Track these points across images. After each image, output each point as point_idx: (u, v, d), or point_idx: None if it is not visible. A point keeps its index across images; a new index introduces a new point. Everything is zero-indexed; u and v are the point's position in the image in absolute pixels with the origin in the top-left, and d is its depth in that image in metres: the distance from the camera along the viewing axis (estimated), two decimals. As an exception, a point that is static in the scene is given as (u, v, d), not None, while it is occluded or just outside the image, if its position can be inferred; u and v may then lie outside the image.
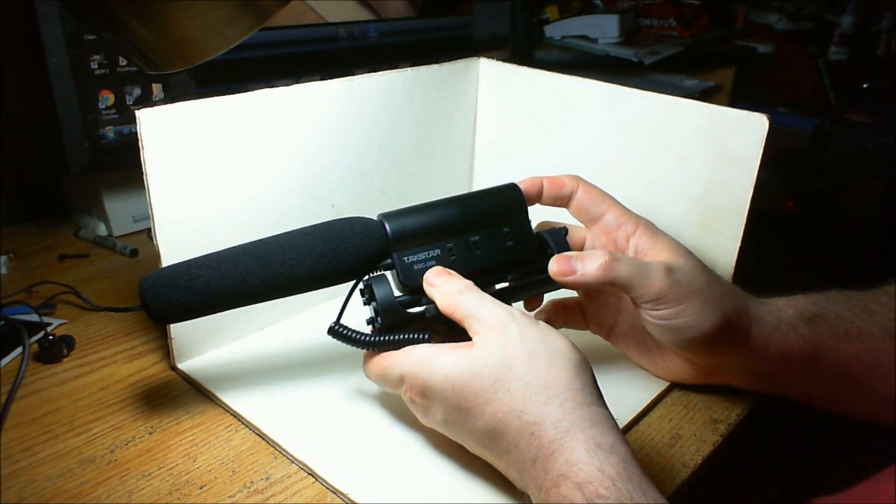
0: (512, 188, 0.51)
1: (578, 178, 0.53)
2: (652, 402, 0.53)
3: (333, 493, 0.43)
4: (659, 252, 0.50)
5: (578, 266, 0.47)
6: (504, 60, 0.69)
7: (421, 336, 0.44)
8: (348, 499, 0.43)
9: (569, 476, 0.35)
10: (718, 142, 0.56)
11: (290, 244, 0.45)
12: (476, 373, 0.40)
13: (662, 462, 0.47)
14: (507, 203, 0.50)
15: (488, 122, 0.72)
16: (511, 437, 0.39)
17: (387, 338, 0.45)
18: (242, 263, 0.44)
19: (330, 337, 0.47)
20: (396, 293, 0.46)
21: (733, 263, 0.57)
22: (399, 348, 0.44)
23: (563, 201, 0.53)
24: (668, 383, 0.54)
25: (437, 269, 0.46)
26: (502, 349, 0.40)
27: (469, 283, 0.45)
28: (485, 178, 0.75)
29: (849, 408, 0.52)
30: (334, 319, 0.47)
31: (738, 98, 1.29)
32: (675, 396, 0.54)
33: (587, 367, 0.41)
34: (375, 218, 0.47)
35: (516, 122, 0.70)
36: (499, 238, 0.49)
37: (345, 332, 0.46)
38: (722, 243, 0.58)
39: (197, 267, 0.44)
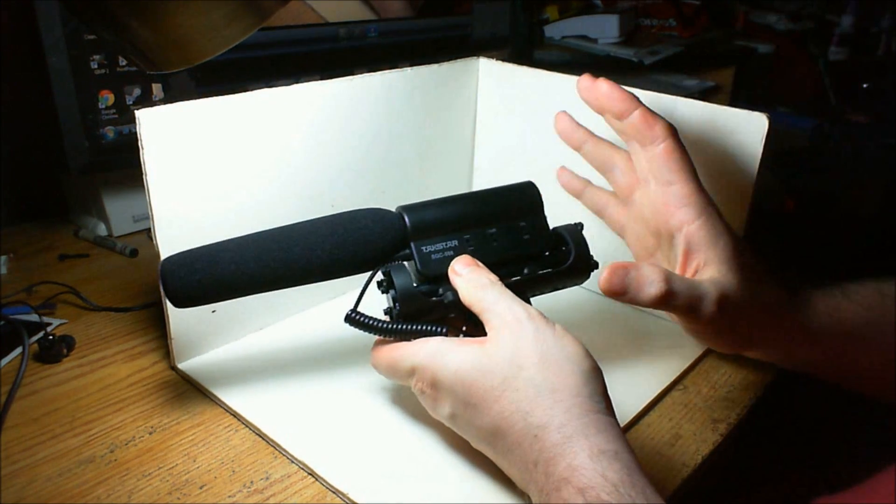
0: (529, 185, 0.51)
1: (672, 132, 0.49)
2: (652, 401, 0.53)
3: (333, 493, 0.43)
4: (711, 259, 0.47)
5: (632, 288, 0.44)
6: (504, 60, 0.69)
7: (438, 329, 0.44)
8: (348, 499, 0.43)
9: (570, 481, 0.35)
10: (718, 142, 0.56)
11: (311, 230, 0.45)
12: (486, 370, 0.40)
13: (662, 462, 0.47)
14: (524, 199, 0.50)
15: (488, 122, 0.72)
16: (515, 438, 0.39)
17: (404, 326, 0.45)
18: (264, 247, 0.44)
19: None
20: (413, 284, 0.46)
21: (733, 263, 0.57)
22: (415, 338, 0.44)
23: (646, 139, 0.49)
24: (668, 383, 0.54)
25: (466, 258, 0.46)
26: (515, 348, 0.40)
27: (494, 277, 0.44)
28: (485, 178, 0.75)
29: (855, 384, 0.53)
30: (351, 307, 0.46)
31: (738, 98, 1.29)
32: (675, 396, 0.54)
33: (598, 376, 0.40)
34: (394, 210, 0.48)
35: (516, 122, 0.70)
36: (515, 232, 0.49)
37: (362, 318, 0.46)
38: (722, 243, 0.58)
39: (218, 250, 0.44)
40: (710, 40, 1.45)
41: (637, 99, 0.49)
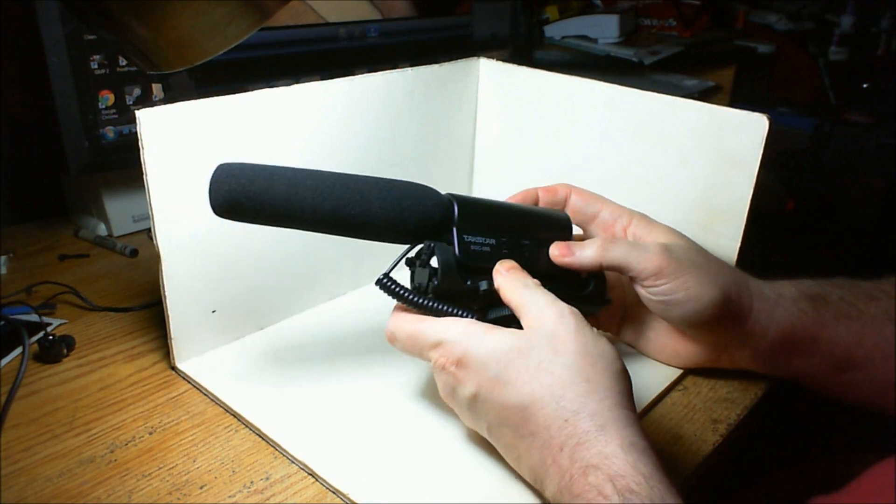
0: (566, 217, 0.54)
1: (569, 185, 0.55)
2: (652, 402, 0.53)
3: (333, 493, 0.43)
4: (656, 237, 0.52)
5: (577, 251, 0.50)
6: (504, 60, 0.69)
7: (469, 314, 0.44)
8: (348, 499, 0.43)
9: (600, 467, 0.36)
10: (718, 142, 0.56)
11: (370, 182, 0.45)
12: (524, 350, 0.40)
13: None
14: (558, 224, 0.53)
15: (488, 122, 0.72)
16: (543, 420, 0.39)
17: (437, 304, 0.45)
18: (322, 182, 0.43)
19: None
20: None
21: (733, 264, 0.57)
22: (441, 317, 0.44)
23: (558, 207, 0.55)
24: (668, 384, 0.54)
25: (509, 262, 0.47)
26: (554, 334, 0.41)
27: (536, 281, 0.45)
28: (485, 179, 0.75)
29: (851, 393, 0.53)
30: (383, 272, 0.45)
31: (738, 98, 1.29)
32: (675, 397, 0.54)
33: (628, 378, 0.41)
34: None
35: (516, 122, 0.70)
36: (545, 250, 0.50)
37: (393, 286, 0.45)
38: (722, 244, 0.58)
39: (276, 168, 0.43)
40: (710, 40, 1.45)
41: (535, 190, 0.55)
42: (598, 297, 0.53)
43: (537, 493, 0.42)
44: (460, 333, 0.42)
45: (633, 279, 0.50)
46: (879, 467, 0.38)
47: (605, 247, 0.49)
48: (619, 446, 0.36)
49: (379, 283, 0.45)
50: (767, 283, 0.52)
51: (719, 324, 0.50)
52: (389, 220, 0.45)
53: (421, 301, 0.45)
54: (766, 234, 0.84)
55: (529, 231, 0.51)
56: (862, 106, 1.21)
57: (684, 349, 0.54)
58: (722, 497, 0.62)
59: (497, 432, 0.42)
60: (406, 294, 0.45)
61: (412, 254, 0.47)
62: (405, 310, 0.46)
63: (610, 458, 0.36)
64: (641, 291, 0.51)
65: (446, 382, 0.44)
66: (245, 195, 0.42)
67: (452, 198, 0.47)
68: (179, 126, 0.49)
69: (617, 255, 0.49)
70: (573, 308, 0.43)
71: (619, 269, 0.50)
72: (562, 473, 0.37)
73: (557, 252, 0.50)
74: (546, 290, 0.44)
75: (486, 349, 0.41)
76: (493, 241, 0.48)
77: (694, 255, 0.50)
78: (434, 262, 0.45)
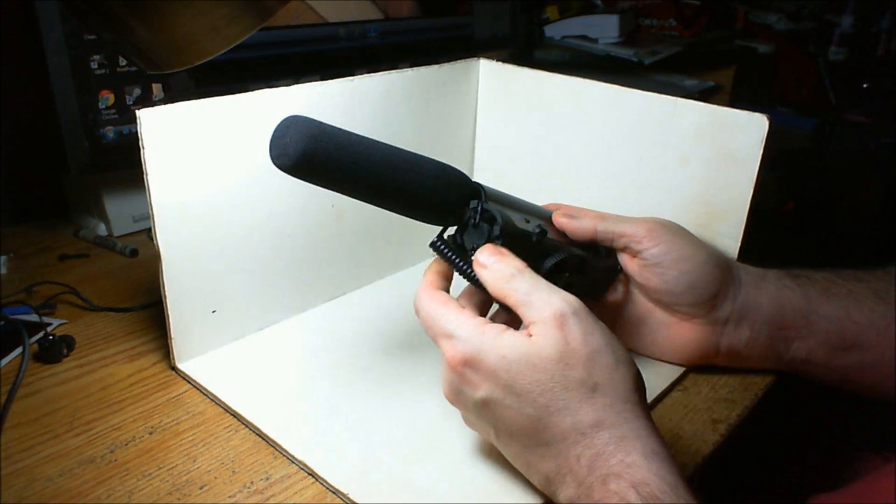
0: None
1: (554, 203, 0.56)
2: (652, 402, 0.53)
3: (333, 493, 0.43)
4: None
5: (575, 219, 0.52)
6: (504, 60, 0.69)
7: None
8: (348, 499, 0.43)
9: (622, 475, 0.35)
10: (718, 142, 0.56)
11: (419, 162, 0.44)
12: (534, 364, 0.39)
13: (662, 462, 0.47)
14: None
15: (488, 123, 0.72)
16: (559, 432, 0.38)
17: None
18: (389, 154, 0.43)
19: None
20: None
21: (733, 263, 0.57)
22: (486, 296, 0.44)
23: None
24: (668, 384, 0.54)
25: (490, 247, 0.43)
26: (563, 347, 0.39)
27: (522, 264, 0.42)
28: (485, 179, 0.74)
29: (852, 378, 0.53)
30: (437, 235, 0.45)
31: (738, 98, 1.29)
32: (676, 397, 0.54)
33: (642, 381, 0.41)
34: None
35: (516, 122, 0.70)
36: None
37: (448, 252, 0.44)
38: (722, 243, 0.58)
39: (347, 132, 0.42)
40: (711, 40, 1.45)
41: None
42: (613, 265, 0.54)
43: (540, 493, 0.42)
44: (473, 331, 0.40)
45: (627, 249, 0.52)
46: (883, 470, 0.38)
47: (600, 217, 0.53)
48: (641, 455, 0.36)
49: (433, 245, 0.45)
50: (750, 266, 0.54)
51: (714, 288, 0.52)
52: (437, 192, 0.44)
53: (472, 274, 0.43)
54: (766, 233, 0.84)
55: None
56: (862, 106, 1.21)
57: (683, 338, 0.54)
58: (722, 497, 0.62)
59: (506, 440, 0.41)
60: (459, 263, 0.44)
61: (450, 231, 0.46)
62: (437, 282, 0.45)
63: (632, 466, 0.35)
64: (635, 264, 0.52)
65: (452, 380, 0.42)
66: (314, 149, 0.40)
67: (479, 185, 0.47)
68: (179, 126, 0.49)
69: (610, 223, 0.52)
70: (572, 300, 0.40)
71: (613, 236, 0.52)
72: (579, 482, 0.37)
73: (560, 215, 0.52)
74: (535, 278, 0.42)
75: (497, 355, 0.39)
76: None
77: (681, 229, 0.53)
78: (489, 217, 0.44)
